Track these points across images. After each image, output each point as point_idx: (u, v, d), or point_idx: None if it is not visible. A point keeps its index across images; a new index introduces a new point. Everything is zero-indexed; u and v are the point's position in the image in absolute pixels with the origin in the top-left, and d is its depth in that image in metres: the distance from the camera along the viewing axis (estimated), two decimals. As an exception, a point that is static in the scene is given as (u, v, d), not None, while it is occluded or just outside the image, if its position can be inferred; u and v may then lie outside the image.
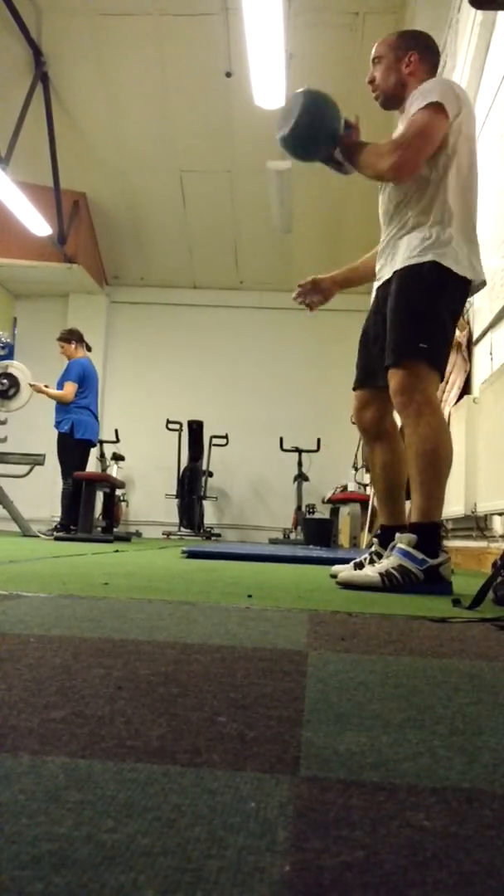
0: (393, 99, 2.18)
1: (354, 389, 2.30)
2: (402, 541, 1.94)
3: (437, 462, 1.97)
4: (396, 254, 2.11)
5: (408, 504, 2.13)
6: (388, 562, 1.93)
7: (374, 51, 2.21)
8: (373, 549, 2.22)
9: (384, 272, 2.18)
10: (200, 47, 6.24)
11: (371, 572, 1.92)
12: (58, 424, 5.71)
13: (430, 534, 1.95)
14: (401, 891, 0.31)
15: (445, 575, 1.92)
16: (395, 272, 2.09)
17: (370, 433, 2.26)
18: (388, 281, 2.13)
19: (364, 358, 2.25)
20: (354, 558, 2.30)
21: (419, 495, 1.97)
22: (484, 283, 2.16)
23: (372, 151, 2.03)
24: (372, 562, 2.13)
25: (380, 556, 2.12)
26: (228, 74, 6.42)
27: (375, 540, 2.25)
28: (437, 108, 1.98)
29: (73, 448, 5.62)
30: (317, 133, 2.04)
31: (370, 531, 6.03)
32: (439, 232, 2.03)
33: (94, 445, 5.86)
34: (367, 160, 2.04)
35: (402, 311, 2.05)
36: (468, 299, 2.18)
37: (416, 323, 2.02)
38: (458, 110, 2.02)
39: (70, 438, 5.62)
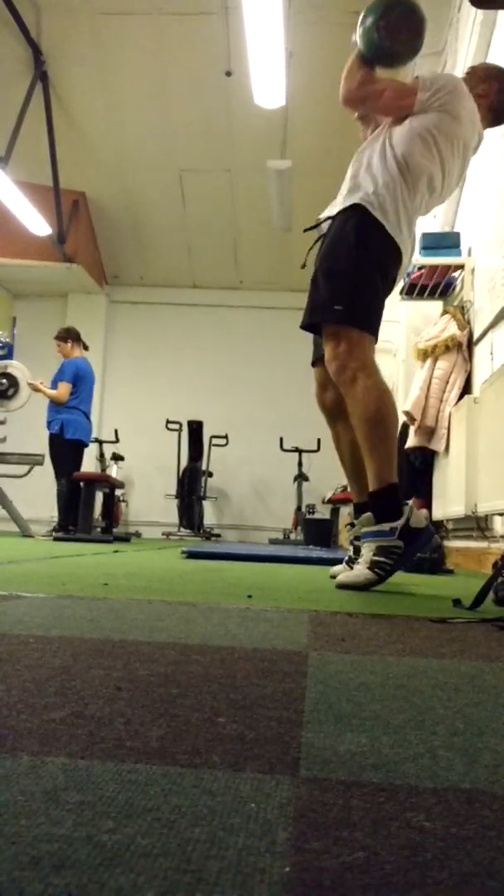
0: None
1: (312, 365, 2.30)
2: (362, 524, 1.93)
3: (381, 424, 1.96)
4: (335, 204, 2.13)
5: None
6: (366, 551, 1.91)
7: None
8: (351, 537, 2.21)
9: (323, 224, 2.20)
10: (200, 46, 6.24)
11: (360, 571, 1.90)
12: (49, 425, 5.71)
13: (388, 498, 1.93)
14: (401, 892, 0.31)
15: (417, 523, 1.89)
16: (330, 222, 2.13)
17: (331, 413, 2.26)
18: (323, 236, 2.16)
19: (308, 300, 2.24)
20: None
21: (371, 460, 1.96)
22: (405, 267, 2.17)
23: (347, 68, 2.12)
24: (357, 550, 2.10)
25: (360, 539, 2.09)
26: (228, 73, 6.42)
27: (356, 521, 2.22)
28: (414, 86, 2.04)
29: (65, 448, 5.62)
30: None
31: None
32: (382, 196, 2.03)
33: (85, 446, 5.85)
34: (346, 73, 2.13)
35: (321, 271, 2.07)
36: (405, 265, 2.17)
37: (332, 283, 2.03)
38: (436, 99, 2.04)
39: (60, 439, 5.62)
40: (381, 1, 2.04)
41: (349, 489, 2.32)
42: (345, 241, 2.03)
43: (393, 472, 1.97)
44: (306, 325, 2.17)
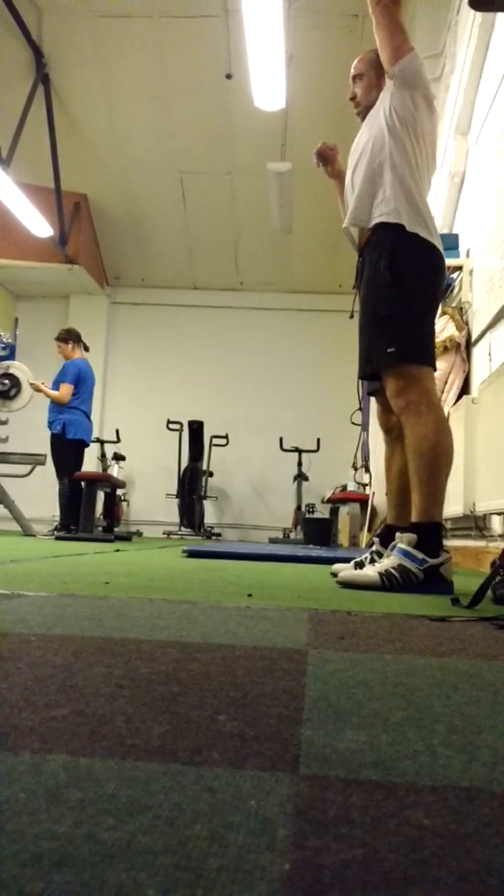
0: None
1: (360, 379, 2.30)
2: (402, 540, 1.94)
3: (435, 461, 1.96)
4: (360, 212, 2.14)
5: None
6: (388, 561, 1.92)
7: (353, 68, 2.27)
8: (373, 548, 2.22)
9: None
10: (201, 49, 6.24)
11: (371, 572, 1.91)
12: (50, 425, 5.72)
13: (430, 533, 1.95)
14: (400, 889, 0.31)
15: (446, 575, 1.92)
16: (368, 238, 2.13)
17: (393, 435, 2.27)
18: (364, 257, 2.16)
19: (359, 341, 2.24)
20: (354, 558, 2.30)
21: (419, 494, 1.97)
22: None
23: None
24: (373, 561, 2.12)
25: (381, 556, 2.11)
26: (228, 76, 6.42)
27: (376, 539, 2.25)
28: (410, 46, 2.06)
29: (67, 448, 5.64)
30: None
31: (370, 531, 6.03)
32: (396, 200, 2.05)
33: (87, 445, 5.87)
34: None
35: (367, 317, 2.09)
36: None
37: (379, 328, 2.06)
38: (421, 83, 2.07)
39: (63, 439, 5.64)
40: None
41: (387, 508, 2.33)
42: (381, 281, 2.04)
43: (439, 511, 1.99)
44: (367, 375, 2.18)
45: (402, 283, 2.03)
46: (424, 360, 2.04)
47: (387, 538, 2.15)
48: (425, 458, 1.96)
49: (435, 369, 2.10)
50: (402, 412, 2.02)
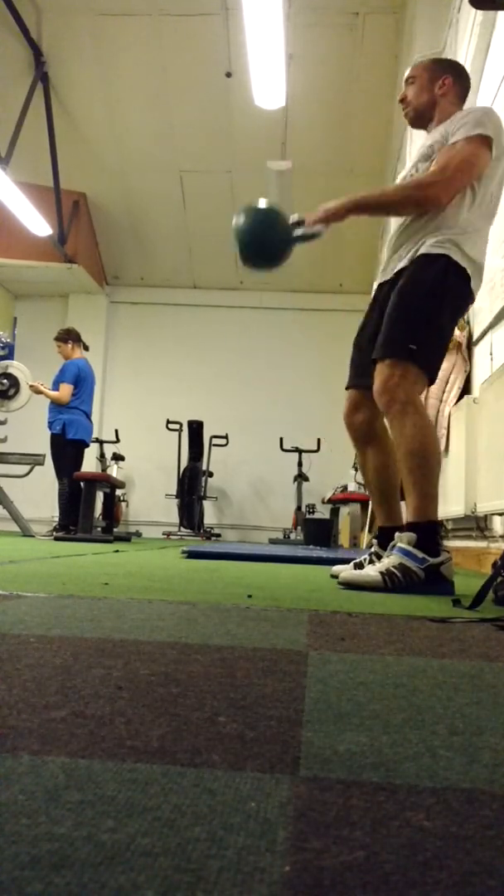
0: (422, 118, 2.23)
1: (347, 389, 2.31)
2: (402, 540, 1.94)
3: (426, 460, 1.97)
4: (406, 254, 2.12)
5: (403, 504, 2.14)
6: (389, 561, 1.92)
7: (408, 71, 2.27)
8: (372, 549, 2.22)
9: (388, 270, 2.19)
10: (200, 47, 6.25)
11: (372, 572, 1.91)
12: (50, 425, 5.72)
13: (429, 532, 1.95)
14: (401, 891, 0.31)
15: (447, 574, 1.92)
16: (401, 269, 2.11)
17: (360, 436, 2.26)
18: (392, 280, 2.14)
19: (357, 355, 2.25)
20: (354, 558, 2.30)
21: (413, 495, 1.97)
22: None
23: (409, 185, 2.08)
24: (372, 562, 2.12)
25: (379, 557, 2.11)
26: (228, 74, 6.42)
27: (375, 540, 2.25)
28: (484, 140, 2.02)
29: (66, 448, 5.63)
30: (271, 249, 2.16)
31: (370, 531, 6.03)
32: (455, 236, 2.04)
33: (86, 446, 5.86)
34: (400, 195, 2.10)
35: (401, 309, 2.06)
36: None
37: (412, 323, 2.03)
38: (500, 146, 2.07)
39: (62, 439, 5.63)
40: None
41: (374, 512, 2.33)
42: (422, 286, 2.03)
43: (435, 510, 1.99)
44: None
45: (443, 297, 2.02)
46: (429, 372, 2.05)
47: (384, 539, 2.15)
48: (417, 457, 1.96)
49: (432, 382, 2.11)
50: (388, 411, 2.02)
